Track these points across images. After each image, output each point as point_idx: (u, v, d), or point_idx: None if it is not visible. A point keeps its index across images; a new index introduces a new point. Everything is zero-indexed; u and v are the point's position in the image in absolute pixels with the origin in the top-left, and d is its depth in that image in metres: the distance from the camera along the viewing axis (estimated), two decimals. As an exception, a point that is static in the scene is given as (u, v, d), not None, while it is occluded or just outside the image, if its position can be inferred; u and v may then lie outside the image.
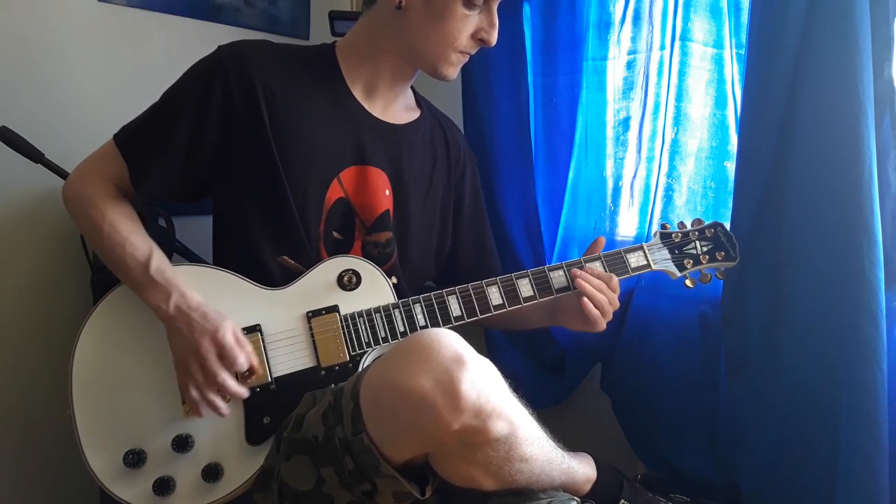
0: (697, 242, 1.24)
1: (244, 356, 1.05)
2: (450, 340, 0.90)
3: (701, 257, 1.23)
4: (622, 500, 1.14)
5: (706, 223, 1.25)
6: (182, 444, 1.05)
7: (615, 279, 1.18)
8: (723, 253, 1.23)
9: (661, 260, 1.23)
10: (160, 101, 1.15)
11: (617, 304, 1.18)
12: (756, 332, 1.20)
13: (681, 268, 1.23)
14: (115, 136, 1.15)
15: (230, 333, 1.04)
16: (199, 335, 1.03)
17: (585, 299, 1.15)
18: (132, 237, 1.10)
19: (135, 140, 1.14)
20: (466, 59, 1.18)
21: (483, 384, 0.88)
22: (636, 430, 1.45)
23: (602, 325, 1.17)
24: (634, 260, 1.22)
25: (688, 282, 1.23)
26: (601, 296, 1.16)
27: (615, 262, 1.21)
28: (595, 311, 1.16)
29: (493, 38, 1.15)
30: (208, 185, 1.17)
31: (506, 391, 0.93)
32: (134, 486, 1.04)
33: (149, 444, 1.06)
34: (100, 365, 1.09)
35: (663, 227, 1.26)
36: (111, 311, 1.11)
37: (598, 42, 1.47)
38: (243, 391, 1.05)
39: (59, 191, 1.16)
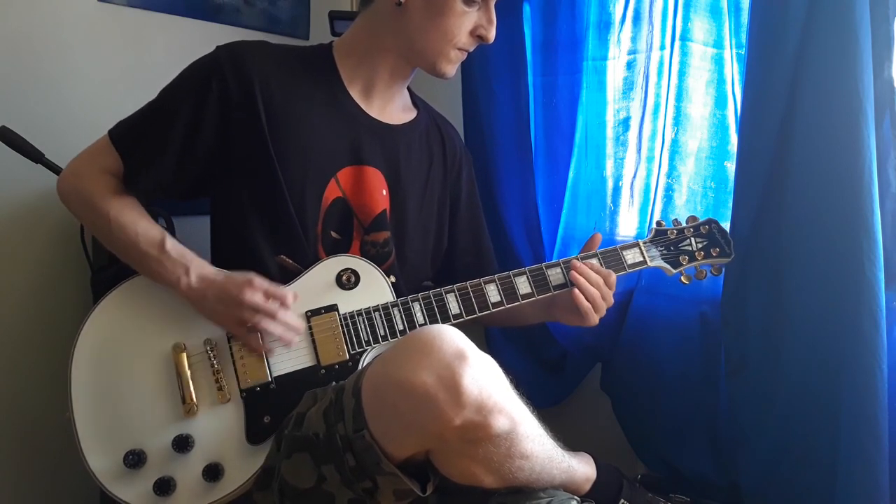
0: (692, 239, 1.25)
1: (290, 292, 1.07)
2: (451, 336, 0.90)
3: (696, 254, 1.24)
4: (622, 500, 1.14)
5: (700, 220, 1.26)
6: (182, 444, 1.05)
7: (613, 276, 1.19)
8: (717, 249, 1.24)
9: (657, 256, 1.23)
10: (157, 98, 1.15)
11: (611, 300, 1.18)
12: (756, 332, 1.20)
13: (676, 264, 1.23)
14: (111, 132, 1.15)
15: (263, 279, 1.06)
16: (237, 288, 1.05)
17: (577, 291, 1.16)
18: (142, 221, 1.11)
19: (130, 137, 1.14)
20: (465, 56, 1.19)
21: (485, 380, 0.88)
22: (636, 430, 1.45)
23: (594, 318, 1.17)
24: (630, 256, 1.22)
25: (683, 278, 1.23)
26: (594, 289, 1.16)
27: (611, 258, 1.22)
28: (586, 304, 1.16)
29: (492, 34, 1.16)
30: (204, 183, 1.17)
31: (507, 387, 0.93)
32: (134, 487, 1.04)
33: (149, 444, 1.05)
34: (99, 365, 1.08)
35: (658, 224, 1.26)
36: (111, 310, 1.11)
37: (598, 42, 1.47)
38: (301, 323, 1.10)
39: (59, 191, 1.16)
